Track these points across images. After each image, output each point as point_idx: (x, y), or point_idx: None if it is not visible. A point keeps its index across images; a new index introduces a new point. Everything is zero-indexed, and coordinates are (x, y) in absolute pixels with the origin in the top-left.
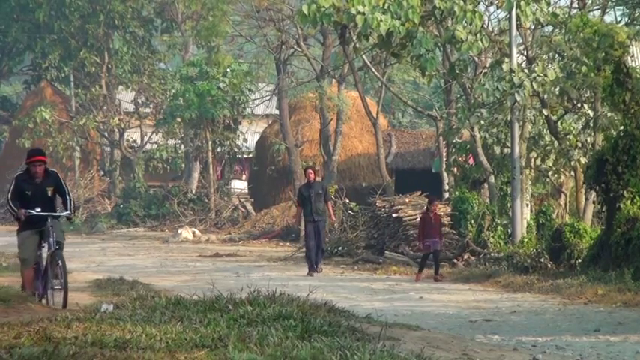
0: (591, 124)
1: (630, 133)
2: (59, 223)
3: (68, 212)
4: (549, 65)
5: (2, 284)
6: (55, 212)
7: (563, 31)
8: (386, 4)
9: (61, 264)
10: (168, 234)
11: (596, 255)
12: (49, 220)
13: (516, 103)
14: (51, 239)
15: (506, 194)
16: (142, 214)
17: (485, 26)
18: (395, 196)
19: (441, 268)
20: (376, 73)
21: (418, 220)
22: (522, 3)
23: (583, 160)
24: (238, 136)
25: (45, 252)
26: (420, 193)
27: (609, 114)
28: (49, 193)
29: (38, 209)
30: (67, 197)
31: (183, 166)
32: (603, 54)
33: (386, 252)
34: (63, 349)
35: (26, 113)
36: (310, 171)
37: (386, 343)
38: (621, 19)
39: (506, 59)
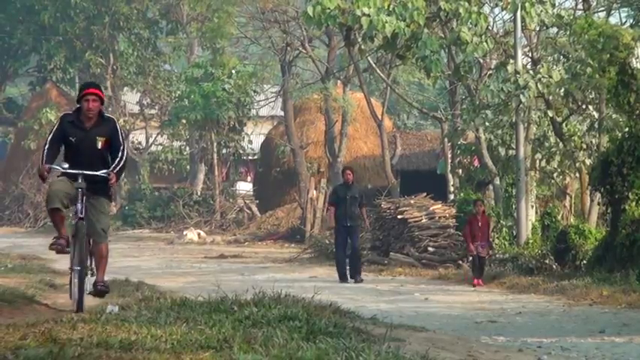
0: (596, 126)
1: (635, 135)
2: (99, 195)
3: (105, 170)
4: (554, 67)
5: (7, 285)
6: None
7: (568, 32)
8: (391, 6)
9: (84, 240)
10: (173, 235)
11: (601, 256)
12: (80, 180)
13: (521, 105)
14: (79, 205)
15: (511, 196)
16: (147, 216)
17: (490, 28)
18: (400, 198)
19: (445, 270)
20: (381, 74)
21: (466, 222)
22: (527, 4)
23: (588, 162)
24: (243, 137)
25: (74, 221)
26: (425, 194)
27: (614, 115)
28: (99, 145)
29: (65, 165)
30: (120, 154)
31: (188, 167)
32: (608, 55)
33: (391, 253)
34: (68, 351)
35: (31, 115)
36: (349, 171)
37: (391, 345)
38: (626, 21)
39: (511, 61)
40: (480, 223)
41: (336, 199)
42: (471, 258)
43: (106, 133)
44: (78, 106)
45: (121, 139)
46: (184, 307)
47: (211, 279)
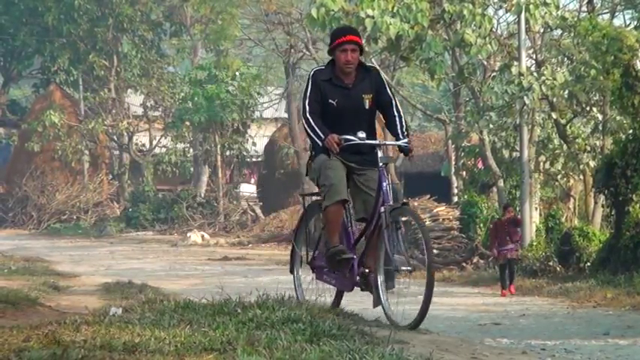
0: (600, 128)
1: (639, 137)
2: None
3: (405, 140)
4: (558, 69)
5: (11, 287)
6: (376, 138)
7: (572, 34)
8: (395, 8)
9: (402, 229)
10: (177, 237)
11: (605, 258)
12: (380, 153)
13: (525, 107)
14: (385, 184)
15: (515, 198)
16: (150, 218)
17: (494, 30)
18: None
19: (449, 272)
20: (385, 76)
21: (490, 227)
22: (531, 6)
23: (592, 164)
24: (247, 139)
25: (383, 208)
26: (428, 196)
27: (618, 117)
28: (367, 104)
29: (362, 134)
30: (396, 113)
31: (192, 169)
32: (612, 57)
33: (394, 255)
34: (71, 353)
35: (35, 117)
36: None
37: (395, 347)
38: (630, 23)
39: (515, 63)
40: (507, 229)
41: None
42: (495, 265)
43: (372, 88)
44: (331, 58)
45: (389, 92)
46: (188, 309)
47: (215, 281)
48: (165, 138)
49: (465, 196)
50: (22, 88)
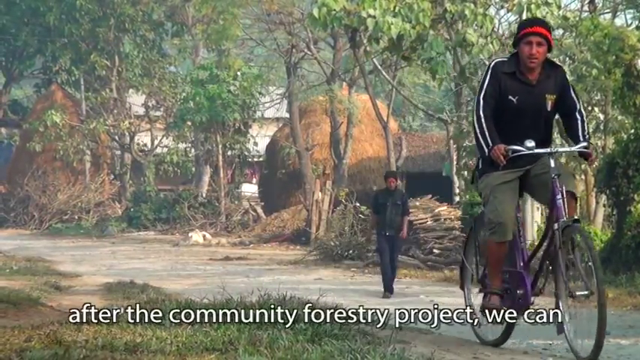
0: (602, 128)
1: None
2: (562, 167)
3: (583, 144)
4: None
5: (12, 287)
6: (550, 143)
7: (573, 34)
8: (396, 8)
9: (584, 251)
10: (178, 237)
11: (607, 258)
12: (553, 162)
13: None
14: (558, 197)
15: None
16: (152, 218)
17: (496, 29)
18: None
19: (450, 272)
20: (387, 76)
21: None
22: (533, 6)
23: (593, 164)
24: (249, 139)
25: (557, 225)
26: (430, 196)
27: (620, 117)
28: (549, 106)
29: (531, 143)
30: (579, 116)
31: (193, 169)
32: (614, 57)
33: None
34: (73, 353)
35: (36, 117)
36: (392, 179)
37: (396, 347)
38: (632, 22)
39: None
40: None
41: (376, 206)
42: None
43: (555, 88)
44: (514, 51)
45: (574, 95)
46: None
47: (216, 281)
48: (167, 138)
49: (467, 196)
50: (23, 88)
